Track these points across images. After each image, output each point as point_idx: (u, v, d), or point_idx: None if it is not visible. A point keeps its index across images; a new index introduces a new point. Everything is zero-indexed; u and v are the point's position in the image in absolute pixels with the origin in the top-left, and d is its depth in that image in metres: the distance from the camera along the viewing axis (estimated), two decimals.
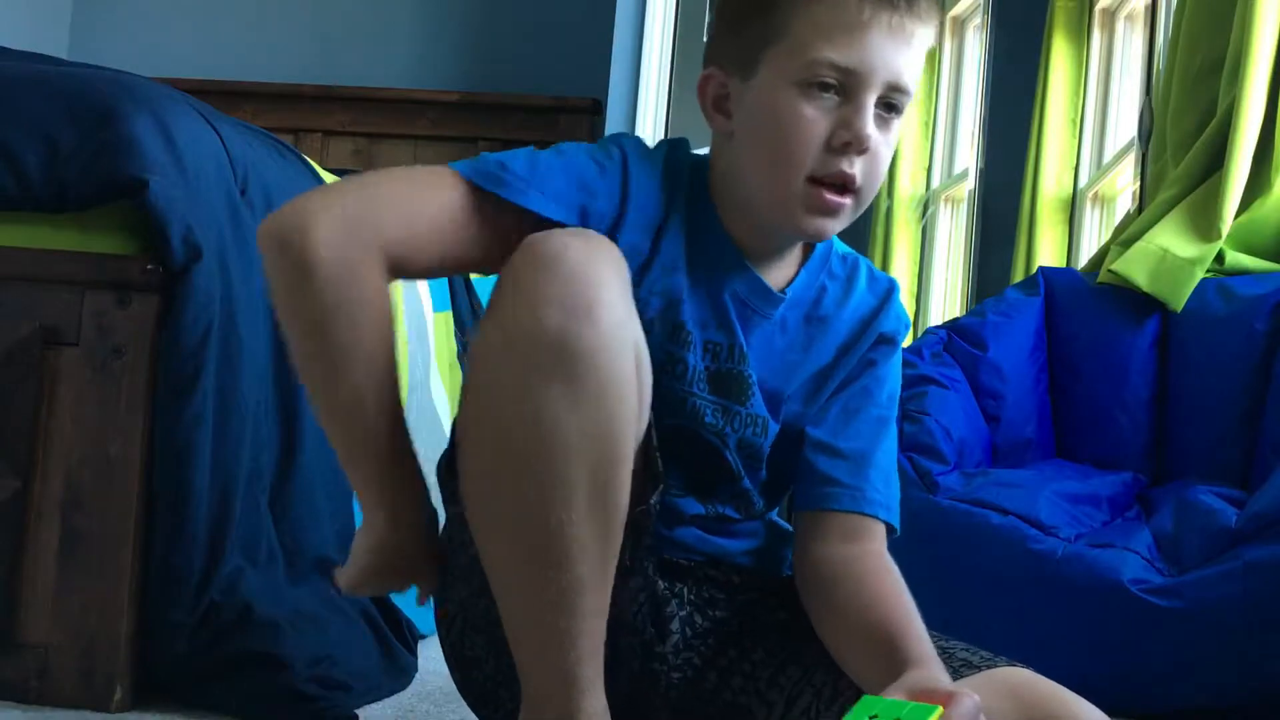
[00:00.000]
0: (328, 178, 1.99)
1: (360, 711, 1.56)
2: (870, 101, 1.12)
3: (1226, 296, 2.48)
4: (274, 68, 4.12)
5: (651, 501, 1.09)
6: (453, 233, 1.14)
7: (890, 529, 1.22)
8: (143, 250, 1.53)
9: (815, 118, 1.12)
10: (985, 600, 2.03)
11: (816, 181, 1.13)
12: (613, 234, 1.14)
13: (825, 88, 1.12)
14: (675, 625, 1.21)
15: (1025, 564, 2.01)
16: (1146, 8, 3.32)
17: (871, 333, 1.25)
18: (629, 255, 1.09)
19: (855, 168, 1.13)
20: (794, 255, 1.24)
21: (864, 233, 4.62)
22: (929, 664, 1.06)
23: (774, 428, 1.22)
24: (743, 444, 1.21)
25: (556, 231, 1.04)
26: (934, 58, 4.43)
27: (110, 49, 4.05)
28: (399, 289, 2.14)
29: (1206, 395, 2.45)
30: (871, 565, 1.17)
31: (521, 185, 1.15)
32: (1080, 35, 3.79)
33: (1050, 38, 3.82)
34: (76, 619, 1.49)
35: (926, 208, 4.47)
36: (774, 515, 1.30)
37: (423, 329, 2.23)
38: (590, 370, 0.98)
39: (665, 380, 1.15)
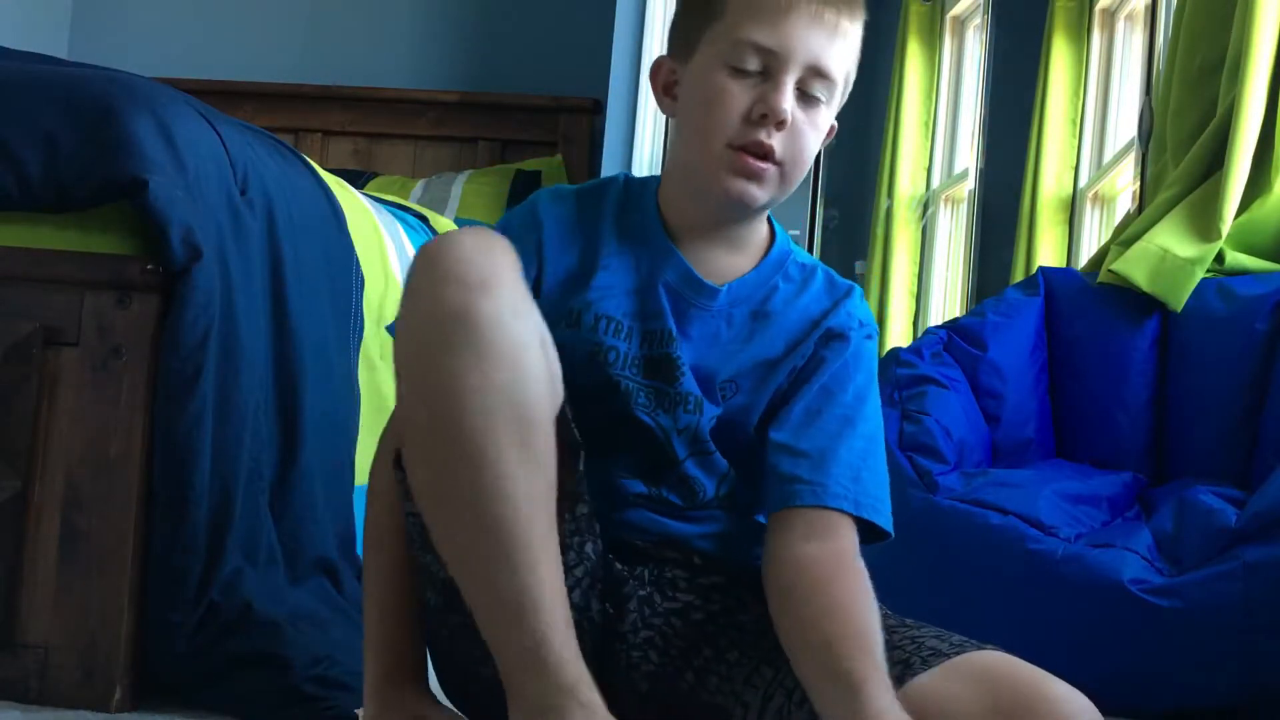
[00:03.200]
0: (328, 178, 1.99)
1: (360, 711, 1.56)
2: (788, 81, 1.21)
3: (1226, 296, 2.48)
4: (274, 68, 4.12)
5: (578, 469, 1.16)
6: None
7: (875, 529, 1.23)
8: (143, 250, 1.53)
9: (737, 92, 1.21)
10: (985, 600, 2.03)
11: (738, 149, 1.21)
12: (541, 268, 1.26)
13: (749, 68, 1.22)
14: (633, 605, 1.24)
15: (1025, 564, 2.01)
16: (1146, 8, 3.32)
17: (820, 328, 1.29)
18: (562, 276, 1.25)
19: (774, 139, 1.21)
20: (748, 250, 1.31)
21: (864, 233, 4.62)
22: (875, 688, 1.06)
23: (710, 408, 1.26)
24: (683, 428, 1.25)
25: (450, 230, 1.13)
26: (934, 58, 4.44)
27: (110, 49, 4.05)
28: (398, 290, 2.14)
29: (1206, 395, 2.45)
30: (831, 569, 1.17)
31: None
32: (1080, 35, 3.79)
33: (1050, 38, 3.82)
34: (76, 619, 1.49)
35: (926, 208, 4.47)
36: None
37: None
38: (494, 337, 1.04)
39: (600, 368, 1.23)
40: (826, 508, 1.20)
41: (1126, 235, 2.65)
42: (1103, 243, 3.08)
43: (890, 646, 1.13)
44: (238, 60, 4.14)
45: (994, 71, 4.06)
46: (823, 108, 1.24)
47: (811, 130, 1.24)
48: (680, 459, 1.26)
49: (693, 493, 1.27)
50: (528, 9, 4.10)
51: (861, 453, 1.24)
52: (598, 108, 3.85)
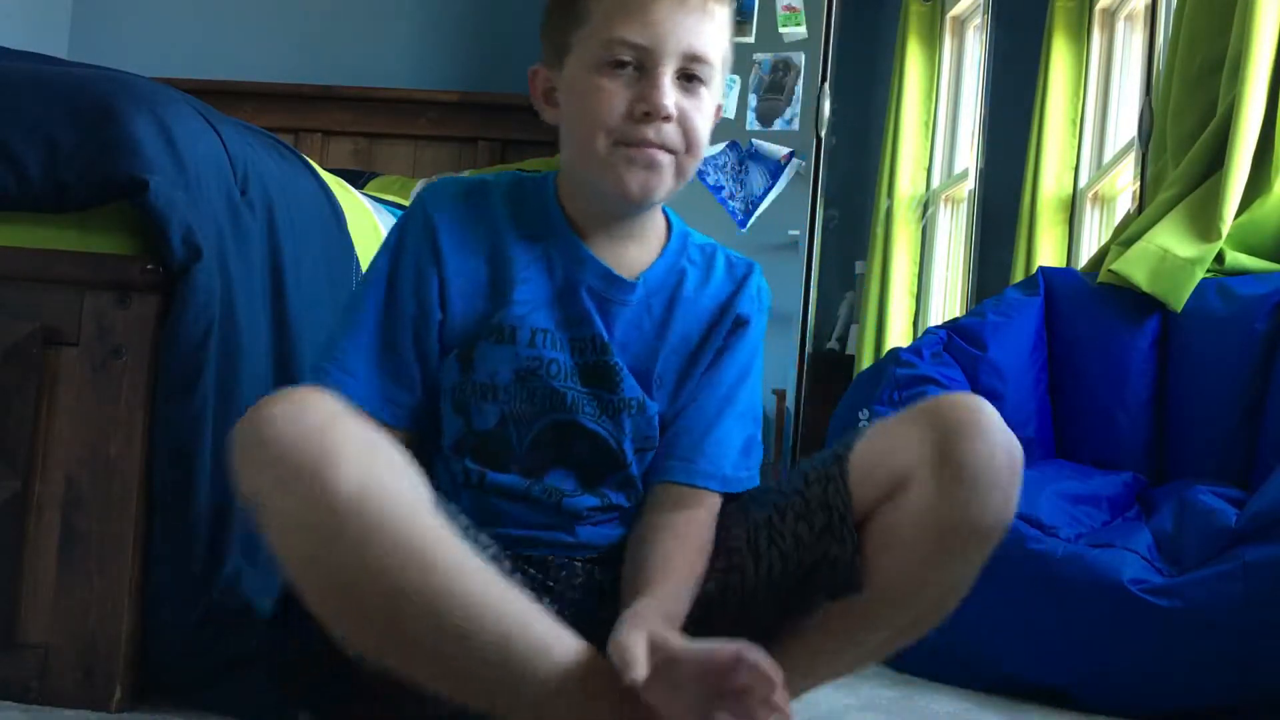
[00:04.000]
0: (328, 178, 1.99)
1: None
2: (665, 74, 1.22)
3: (1226, 296, 2.48)
4: (274, 68, 4.12)
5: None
6: None
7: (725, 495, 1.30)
8: (143, 250, 1.53)
9: (614, 90, 1.22)
10: (985, 600, 2.03)
11: (625, 145, 1.22)
12: (443, 279, 1.25)
13: (623, 64, 1.22)
14: (609, 605, 1.25)
15: (1025, 564, 2.01)
16: (1146, 8, 3.32)
17: (729, 316, 1.33)
18: (472, 284, 1.24)
19: (663, 134, 1.22)
20: (651, 240, 1.33)
21: (864, 233, 4.62)
22: (644, 602, 1.13)
23: (652, 406, 1.29)
24: (629, 432, 1.28)
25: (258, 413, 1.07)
26: (934, 58, 4.44)
27: (110, 49, 4.05)
28: None
29: (1206, 395, 2.45)
30: (681, 530, 1.24)
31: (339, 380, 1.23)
32: (1080, 35, 3.79)
33: (1050, 38, 3.82)
34: (76, 619, 1.49)
35: (926, 208, 4.48)
36: None
37: None
38: (355, 519, 1.00)
39: (543, 381, 1.24)
40: (695, 486, 1.28)
41: (1126, 235, 2.65)
42: (1103, 243, 3.08)
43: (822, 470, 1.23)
44: (238, 60, 4.14)
45: (994, 71, 4.07)
46: (704, 90, 1.25)
47: (698, 114, 1.24)
48: (628, 462, 1.29)
49: (636, 491, 1.30)
50: (528, 9, 4.09)
51: (736, 429, 1.31)
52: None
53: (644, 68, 1.22)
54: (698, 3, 1.23)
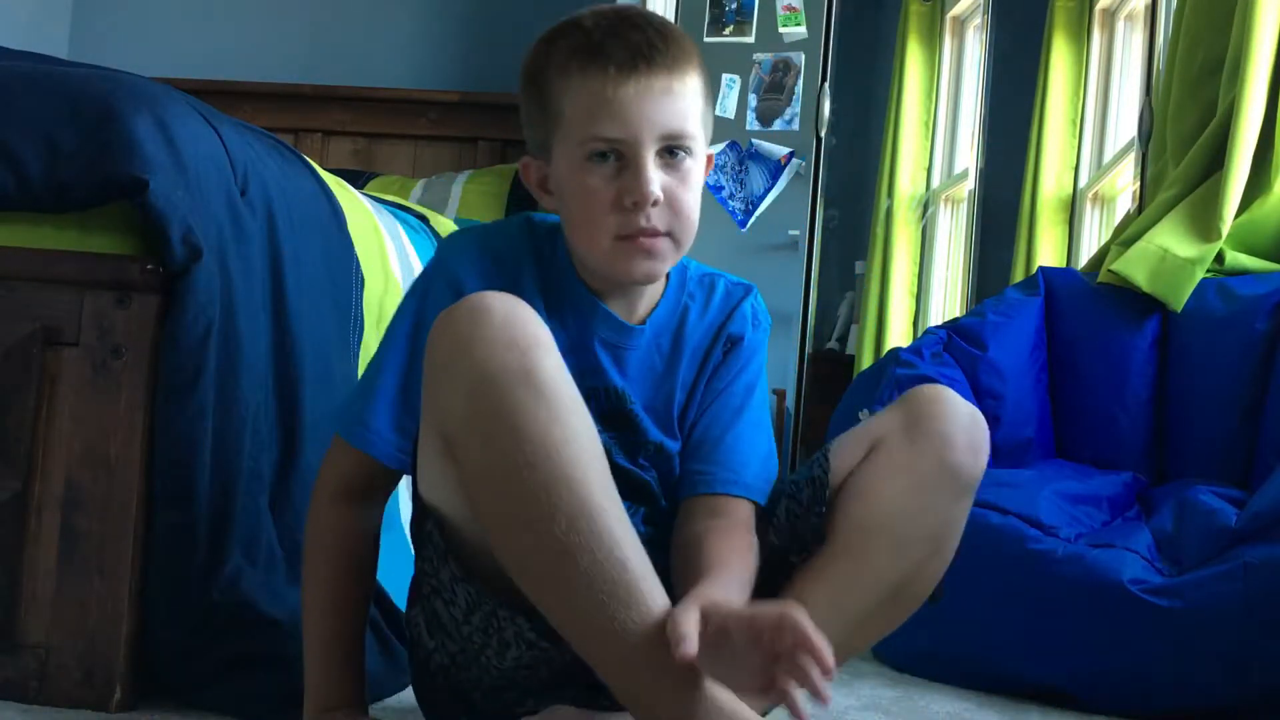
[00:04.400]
0: (328, 178, 1.99)
1: None
2: (645, 161, 1.25)
3: (1226, 296, 2.48)
4: (274, 68, 4.12)
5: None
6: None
7: (755, 506, 1.33)
8: (143, 250, 1.53)
9: (599, 186, 1.26)
10: (985, 600, 2.03)
11: (624, 239, 1.27)
12: None
13: (604, 156, 1.25)
14: None
15: (1025, 564, 2.01)
16: (1146, 8, 3.32)
17: (721, 337, 1.38)
18: None
19: (653, 219, 1.26)
20: (647, 292, 1.37)
21: (864, 233, 4.62)
22: (708, 582, 1.16)
23: (672, 445, 1.35)
24: (657, 471, 1.35)
25: (475, 295, 1.18)
26: (934, 58, 4.44)
27: (110, 49, 4.05)
28: (398, 290, 2.14)
29: (1206, 395, 2.45)
30: (722, 533, 1.27)
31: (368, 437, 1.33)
32: (1080, 35, 3.79)
33: (1050, 38, 3.82)
34: (76, 619, 1.49)
35: (926, 208, 4.48)
36: None
37: None
38: (560, 393, 1.13)
39: None
40: (720, 494, 1.31)
41: (1126, 235, 2.65)
42: (1103, 243, 3.08)
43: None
44: (238, 60, 4.14)
45: (994, 71, 4.07)
46: (689, 162, 1.28)
47: (686, 189, 1.28)
48: (657, 494, 1.35)
49: (668, 526, 1.34)
50: (528, 9, 4.09)
51: (753, 440, 1.36)
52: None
53: (624, 158, 1.25)
54: (663, 85, 1.25)
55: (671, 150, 1.26)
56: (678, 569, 1.26)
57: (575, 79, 1.26)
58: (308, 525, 1.35)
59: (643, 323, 1.35)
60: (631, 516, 1.27)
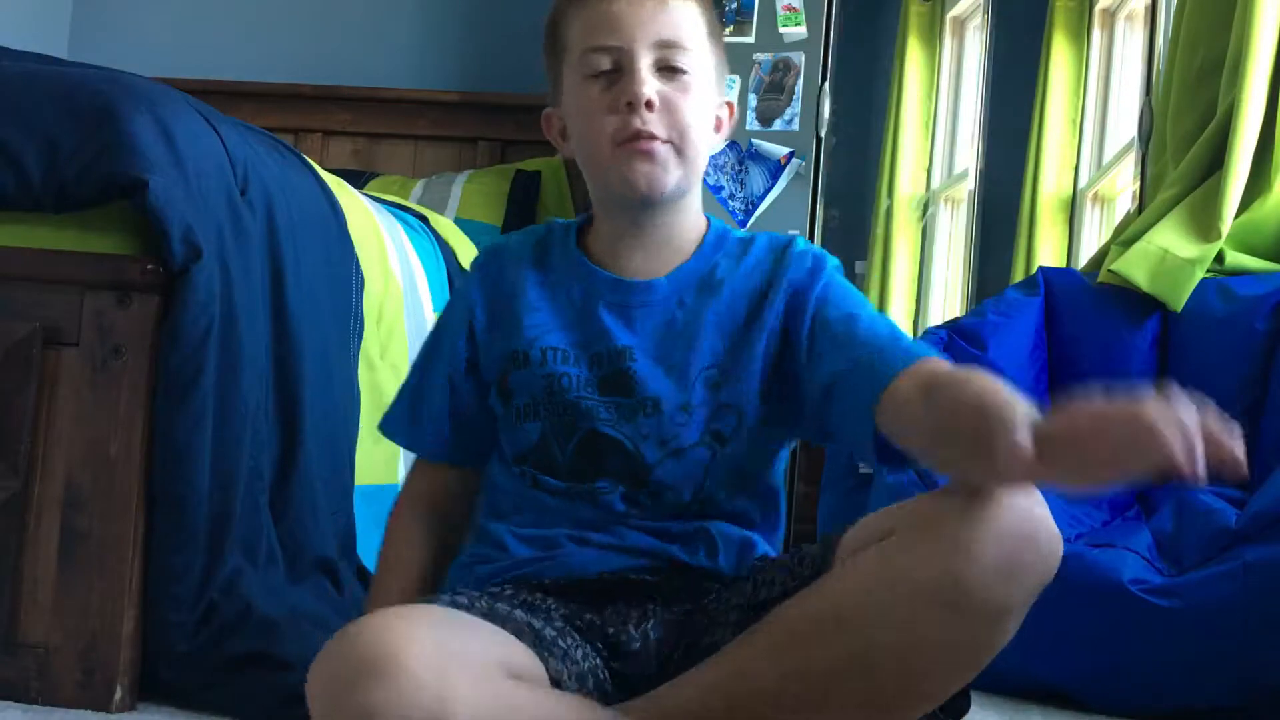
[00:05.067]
0: (328, 178, 1.99)
1: None
2: (641, 66, 1.26)
3: (1226, 296, 2.48)
4: (274, 68, 4.12)
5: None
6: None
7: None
8: (143, 250, 1.53)
9: (598, 95, 1.28)
10: None
11: (622, 144, 1.26)
12: (474, 330, 1.34)
13: (603, 72, 1.27)
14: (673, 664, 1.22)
15: None
16: (1146, 8, 3.32)
17: (779, 288, 1.30)
18: (489, 326, 1.32)
19: (649, 123, 1.25)
20: (686, 245, 1.33)
21: (864, 233, 4.62)
22: (1006, 406, 1.03)
23: (671, 401, 1.27)
24: (646, 434, 1.27)
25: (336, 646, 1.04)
26: (934, 58, 4.44)
27: (110, 49, 4.05)
28: (398, 290, 2.14)
29: (1206, 395, 2.44)
30: (943, 368, 1.17)
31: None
32: (1080, 35, 3.79)
33: (1050, 38, 3.82)
34: (76, 619, 1.49)
35: (926, 208, 4.48)
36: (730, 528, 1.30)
37: (423, 329, 2.23)
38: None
39: (561, 395, 1.28)
40: (913, 361, 1.18)
41: (1126, 235, 2.65)
42: (1103, 243, 3.08)
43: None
44: (238, 60, 4.14)
45: (994, 71, 4.06)
46: (688, 78, 1.28)
47: (685, 98, 1.27)
48: (650, 464, 1.27)
49: (671, 501, 1.28)
50: (528, 9, 4.09)
51: (886, 326, 1.27)
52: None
53: (622, 67, 1.27)
54: (656, 1, 1.28)
55: (670, 66, 1.27)
56: (910, 421, 1.14)
57: (575, 6, 1.31)
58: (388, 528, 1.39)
59: (660, 279, 1.31)
60: (609, 494, 1.27)
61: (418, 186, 3.66)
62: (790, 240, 1.35)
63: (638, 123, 1.25)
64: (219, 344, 1.53)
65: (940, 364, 1.19)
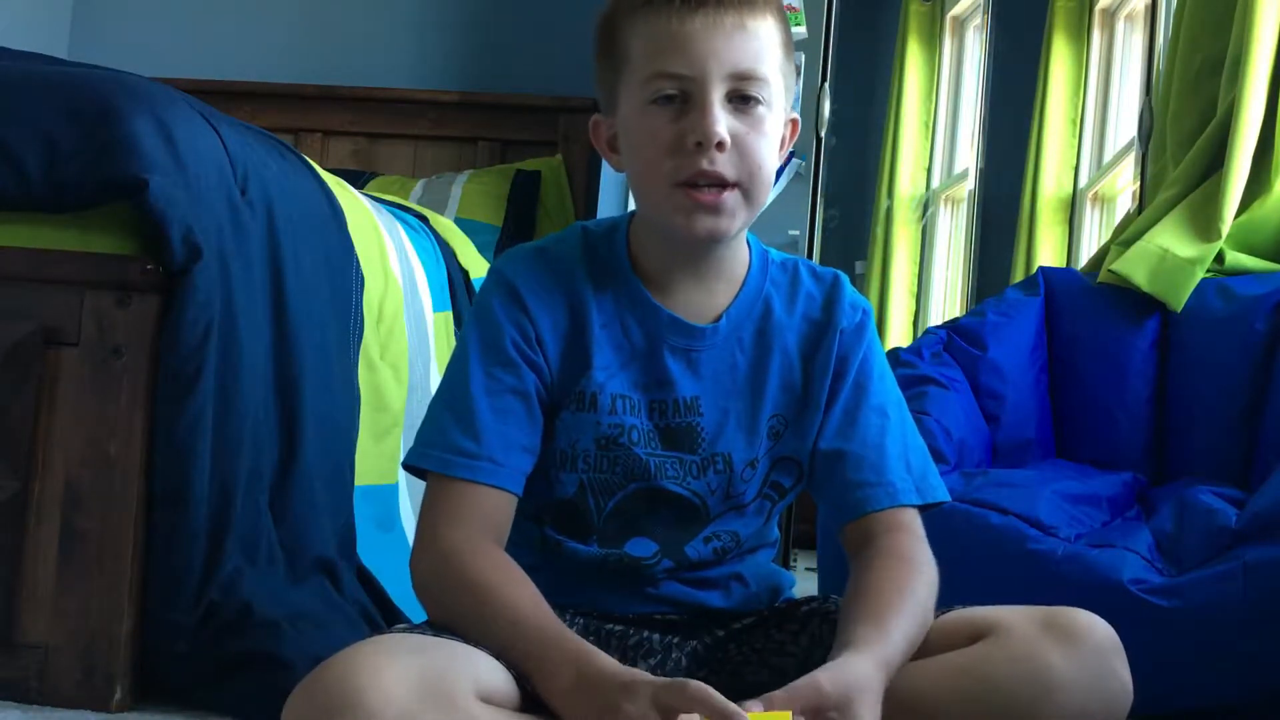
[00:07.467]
0: (328, 178, 1.99)
1: None
2: (713, 99, 1.14)
3: (1226, 296, 2.48)
4: (274, 68, 4.12)
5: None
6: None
7: (927, 507, 1.24)
8: (143, 250, 1.53)
9: (661, 127, 1.16)
10: (985, 600, 2.02)
11: (685, 185, 1.16)
12: (543, 349, 1.21)
13: (669, 98, 1.16)
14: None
15: (1025, 564, 2.01)
16: (1146, 8, 3.32)
17: (832, 334, 1.26)
18: (559, 349, 1.19)
19: (718, 164, 1.15)
20: (736, 272, 1.26)
21: (864, 233, 4.62)
22: (858, 651, 1.07)
23: (741, 457, 1.23)
24: (715, 489, 1.23)
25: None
26: (934, 58, 4.44)
27: (110, 49, 4.05)
28: (398, 290, 2.14)
29: (1206, 395, 2.45)
30: (885, 550, 1.19)
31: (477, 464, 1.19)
32: (1080, 35, 3.79)
33: (1050, 38, 3.82)
34: (76, 619, 1.49)
35: (926, 208, 4.48)
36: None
37: (423, 329, 2.23)
38: None
39: (625, 449, 1.20)
40: (898, 506, 1.22)
41: (1126, 235, 2.65)
42: (1103, 243, 3.08)
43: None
44: (238, 60, 4.14)
45: (994, 71, 4.06)
46: (762, 110, 1.17)
47: (758, 137, 1.17)
48: (712, 517, 1.24)
49: (721, 549, 1.26)
50: (528, 9, 4.09)
51: (902, 437, 1.25)
52: (598, 108, 3.84)
53: (690, 98, 1.15)
54: (734, 21, 1.15)
55: (744, 96, 1.15)
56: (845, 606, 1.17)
57: (640, 15, 1.17)
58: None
59: (718, 318, 1.24)
60: (652, 564, 1.22)
61: (418, 186, 3.66)
62: (835, 279, 1.30)
63: (704, 163, 1.14)
64: (219, 344, 1.53)
65: (895, 535, 1.20)
